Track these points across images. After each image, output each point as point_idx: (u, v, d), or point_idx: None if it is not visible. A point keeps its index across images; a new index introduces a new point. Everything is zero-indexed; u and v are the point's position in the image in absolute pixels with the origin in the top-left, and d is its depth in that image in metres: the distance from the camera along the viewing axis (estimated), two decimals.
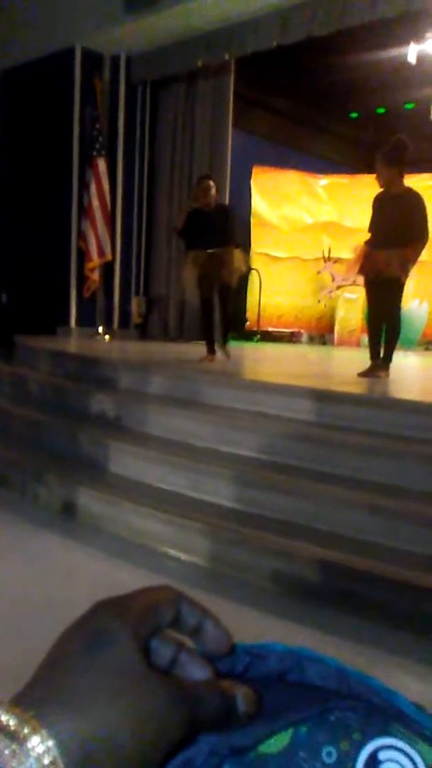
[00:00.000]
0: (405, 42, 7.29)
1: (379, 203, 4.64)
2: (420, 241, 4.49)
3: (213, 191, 5.19)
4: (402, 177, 4.54)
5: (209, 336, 5.50)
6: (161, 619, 0.33)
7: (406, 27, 6.80)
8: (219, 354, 5.25)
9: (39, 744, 0.27)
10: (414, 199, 4.51)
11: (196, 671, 0.33)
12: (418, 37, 7.21)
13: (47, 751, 0.27)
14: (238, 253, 5.20)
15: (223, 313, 5.56)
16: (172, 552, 3.13)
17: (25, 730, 0.27)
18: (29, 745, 0.27)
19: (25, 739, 0.27)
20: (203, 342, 5.60)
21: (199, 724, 0.31)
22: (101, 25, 7.03)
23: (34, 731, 0.27)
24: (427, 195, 4.70)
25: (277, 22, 6.21)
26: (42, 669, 0.30)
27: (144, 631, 0.31)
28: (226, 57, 6.86)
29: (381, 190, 4.64)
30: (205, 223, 5.13)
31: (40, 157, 7.76)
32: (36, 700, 0.28)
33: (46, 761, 0.27)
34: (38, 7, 7.47)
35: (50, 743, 0.27)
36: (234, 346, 5.36)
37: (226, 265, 5.10)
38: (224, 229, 5.10)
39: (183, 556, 3.10)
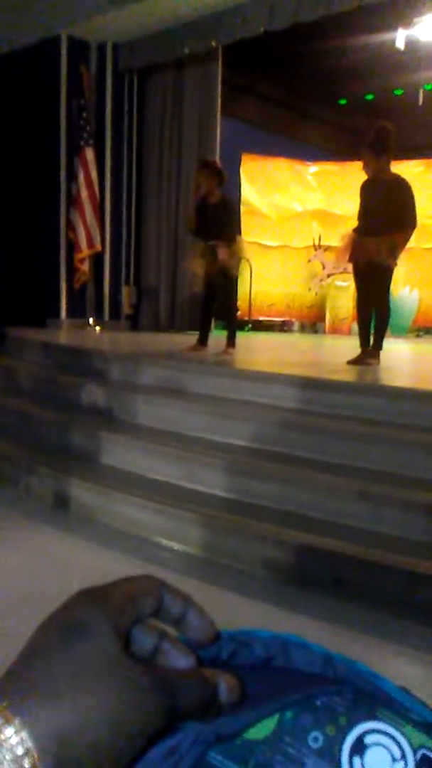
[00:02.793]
0: (393, 27, 7.26)
1: (366, 191, 4.63)
2: (409, 228, 4.50)
3: (203, 186, 5.16)
4: (389, 164, 4.53)
5: (202, 326, 5.49)
6: (142, 608, 0.32)
7: (393, 12, 6.77)
8: (227, 349, 5.20)
9: (12, 735, 0.26)
10: (402, 186, 4.51)
11: (179, 660, 0.33)
12: (406, 22, 7.18)
13: (21, 741, 0.26)
14: (235, 246, 5.17)
15: (225, 307, 5.52)
16: (165, 542, 3.14)
17: None
18: (2, 735, 0.26)
19: None
20: (195, 332, 5.59)
21: (180, 714, 0.30)
22: (87, 13, 6.96)
23: (7, 722, 0.27)
24: (417, 181, 4.70)
25: (264, 8, 6.17)
26: (19, 659, 0.30)
27: (124, 621, 0.31)
28: (214, 44, 6.81)
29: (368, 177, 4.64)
30: (207, 215, 5.14)
31: (27, 147, 7.70)
32: (11, 690, 0.28)
33: (19, 752, 0.26)
34: None
35: (24, 734, 0.27)
36: (223, 335, 5.35)
37: (222, 256, 5.09)
38: (223, 222, 5.09)
39: (176, 546, 3.11)
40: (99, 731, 0.28)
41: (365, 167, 4.57)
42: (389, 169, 4.54)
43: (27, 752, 0.26)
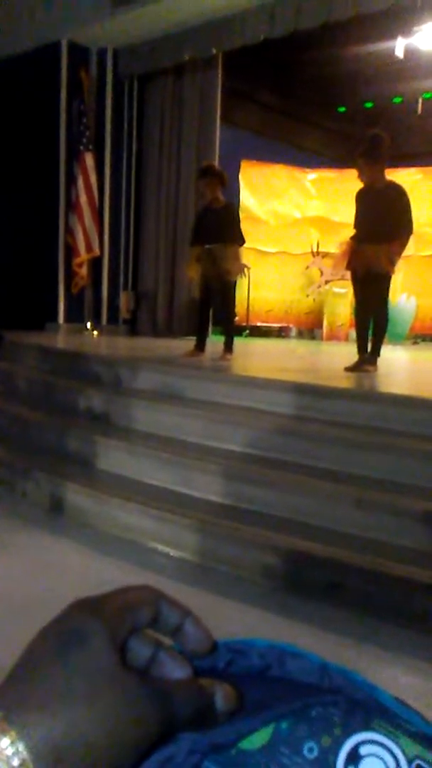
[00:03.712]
0: (392, 36, 7.29)
1: (362, 198, 4.66)
2: (405, 235, 4.51)
3: (207, 193, 5.16)
4: (384, 172, 4.55)
5: (199, 332, 5.48)
6: (139, 618, 0.32)
7: (393, 21, 6.80)
8: (225, 355, 5.20)
9: (8, 746, 0.26)
10: (397, 193, 4.53)
11: (175, 670, 0.33)
12: (406, 30, 7.21)
13: (17, 753, 0.26)
14: (234, 251, 5.16)
15: (224, 312, 5.52)
16: (161, 548, 3.14)
17: None
18: None
19: None
20: (193, 337, 5.59)
21: (176, 724, 0.30)
22: (88, 18, 6.98)
23: (3, 733, 0.27)
24: (415, 189, 4.71)
25: (264, 15, 6.19)
26: (15, 669, 0.30)
27: (120, 631, 0.31)
28: (214, 51, 6.83)
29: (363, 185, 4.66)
30: (208, 219, 5.14)
31: (27, 151, 7.71)
32: (7, 701, 0.28)
33: (15, 763, 0.26)
34: (24, 0, 7.41)
35: (20, 745, 0.27)
36: (222, 341, 5.35)
37: (222, 261, 5.09)
38: (223, 226, 5.09)
39: (172, 552, 3.10)
40: (95, 742, 0.28)
41: (360, 176, 4.59)
42: (384, 177, 4.57)
43: (23, 763, 0.26)
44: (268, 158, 9.80)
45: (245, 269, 5.34)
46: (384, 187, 4.55)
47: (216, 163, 7.28)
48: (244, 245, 5.28)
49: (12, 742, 0.27)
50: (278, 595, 2.73)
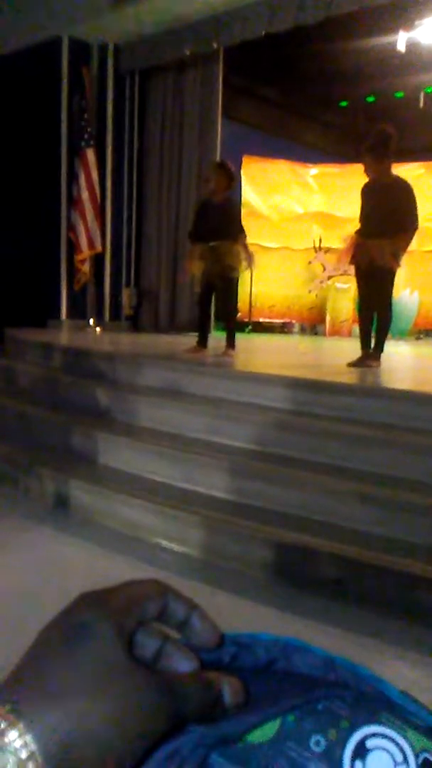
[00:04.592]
0: (394, 30, 7.26)
1: (368, 193, 4.64)
2: (410, 230, 4.50)
3: (212, 184, 5.14)
4: (390, 167, 4.53)
5: (201, 328, 5.48)
6: (145, 611, 0.32)
7: (395, 15, 6.77)
8: (227, 351, 5.18)
9: (16, 738, 0.27)
10: (403, 188, 4.51)
11: (182, 663, 0.33)
12: (407, 24, 7.18)
13: (25, 745, 0.26)
14: (238, 247, 5.14)
15: (225, 309, 5.51)
16: (165, 543, 3.14)
17: (2, 725, 0.27)
18: (6, 739, 0.27)
19: (2, 733, 0.27)
20: (195, 333, 5.59)
21: (184, 717, 0.30)
22: (88, 14, 6.97)
23: (11, 725, 0.27)
24: (417, 184, 4.69)
25: (265, 10, 6.17)
26: (22, 663, 0.30)
27: (127, 624, 0.31)
28: (215, 46, 6.81)
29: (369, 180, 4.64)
30: (210, 215, 5.12)
31: (28, 148, 7.70)
32: (15, 694, 0.28)
33: (23, 755, 0.26)
34: None
35: (28, 737, 0.27)
36: (224, 337, 5.35)
37: (224, 258, 5.07)
38: (225, 222, 5.07)
39: (176, 548, 3.11)
40: (103, 734, 0.28)
41: (367, 171, 4.57)
42: (390, 172, 4.55)
43: (31, 755, 0.27)
44: (270, 153, 9.78)
45: (253, 257, 5.28)
46: (390, 182, 4.53)
47: (218, 158, 7.28)
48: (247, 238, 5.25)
49: (20, 735, 0.27)
50: (282, 590, 2.73)
